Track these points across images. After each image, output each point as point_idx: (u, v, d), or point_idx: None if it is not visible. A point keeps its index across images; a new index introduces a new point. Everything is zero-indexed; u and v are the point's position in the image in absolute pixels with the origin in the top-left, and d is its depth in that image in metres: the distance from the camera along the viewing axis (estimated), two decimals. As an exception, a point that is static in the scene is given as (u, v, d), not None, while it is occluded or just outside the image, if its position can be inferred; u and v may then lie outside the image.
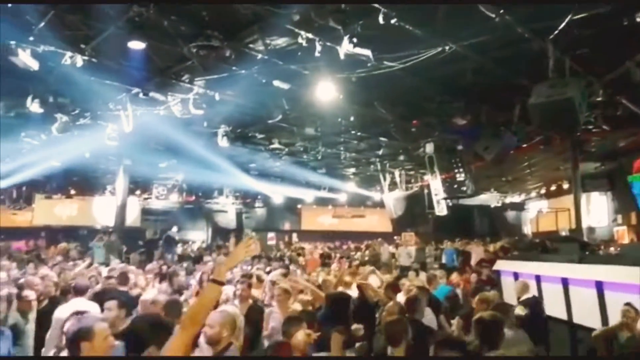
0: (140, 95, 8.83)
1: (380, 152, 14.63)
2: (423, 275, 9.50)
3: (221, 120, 11.31)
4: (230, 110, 10.19)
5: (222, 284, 2.46)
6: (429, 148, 13.29)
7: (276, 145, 13.75)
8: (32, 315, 5.38)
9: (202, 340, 3.34)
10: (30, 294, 6.36)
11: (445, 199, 14.49)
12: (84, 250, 16.29)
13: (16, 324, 5.12)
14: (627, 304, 4.59)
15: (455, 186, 15.06)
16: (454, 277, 9.34)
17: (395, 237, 20.00)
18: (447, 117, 10.72)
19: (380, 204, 20.07)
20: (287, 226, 25.34)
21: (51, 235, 19.77)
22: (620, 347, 4.44)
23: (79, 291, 5.64)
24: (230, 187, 22.64)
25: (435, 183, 14.28)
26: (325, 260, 14.99)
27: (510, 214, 25.08)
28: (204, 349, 3.38)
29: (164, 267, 11.61)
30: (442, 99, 10.01)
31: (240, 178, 17.62)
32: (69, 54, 7.32)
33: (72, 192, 20.76)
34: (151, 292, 6.30)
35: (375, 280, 7.38)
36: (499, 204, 23.93)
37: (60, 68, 7.61)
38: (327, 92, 8.34)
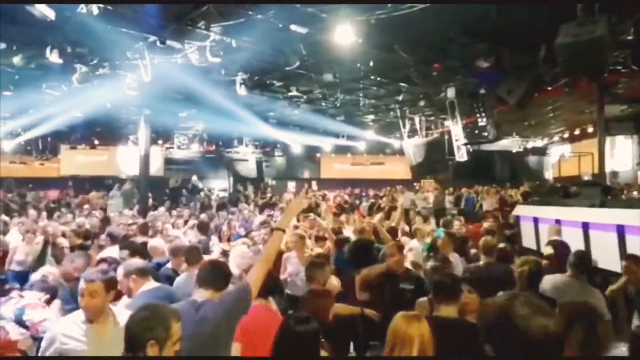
0: (157, 43, 8.76)
1: (400, 98, 14.37)
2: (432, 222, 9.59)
3: (239, 68, 11.20)
4: (247, 57, 10.05)
5: (284, 231, 3.15)
6: (451, 93, 13.02)
7: (294, 93, 13.61)
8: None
9: None
10: (63, 242, 6.69)
11: (466, 144, 14.35)
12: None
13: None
14: (628, 257, 4.61)
15: (477, 131, 14.88)
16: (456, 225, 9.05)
17: (415, 184, 20.05)
18: (470, 60, 10.42)
19: (400, 151, 19.96)
20: (306, 174, 25.52)
21: (78, 184, 20.36)
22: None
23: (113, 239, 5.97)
24: (250, 136, 22.72)
25: (456, 129, 14.10)
26: (346, 208, 15.15)
27: (532, 159, 24.75)
28: None
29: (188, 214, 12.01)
30: (465, 42, 9.70)
31: (259, 127, 17.64)
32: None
33: (96, 142, 21.12)
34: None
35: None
36: (521, 149, 23.56)
37: (77, 17, 7.57)
38: (345, 36, 8.15)
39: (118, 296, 3.77)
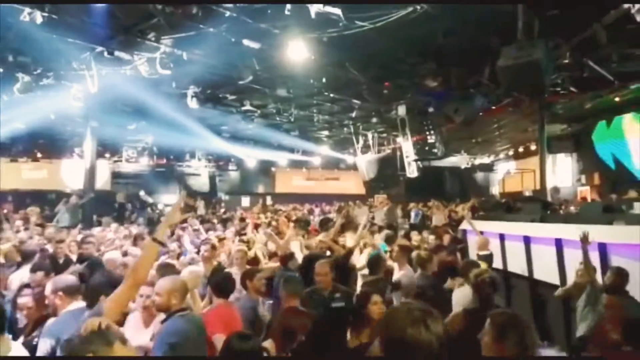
0: (105, 54, 8.54)
1: (353, 115, 14.63)
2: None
3: (190, 81, 11.09)
4: (199, 70, 9.96)
5: (161, 243, 2.67)
6: (401, 110, 13.35)
7: (248, 107, 13.58)
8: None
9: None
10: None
11: (416, 160, 14.74)
12: (53, 215, 16.06)
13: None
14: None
15: (427, 148, 15.30)
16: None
17: (369, 200, 20.31)
18: (419, 79, 10.76)
19: (354, 167, 20.24)
20: (261, 189, 25.35)
21: (19, 199, 19.30)
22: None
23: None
24: (203, 150, 22.40)
25: (406, 145, 14.46)
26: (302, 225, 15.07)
27: (480, 175, 25.61)
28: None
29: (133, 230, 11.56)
30: (414, 61, 10.02)
31: (212, 141, 17.44)
32: (27, 9, 6.99)
33: (39, 155, 20.19)
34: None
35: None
36: (469, 166, 24.40)
37: (20, 25, 7.28)
38: (298, 52, 8.23)
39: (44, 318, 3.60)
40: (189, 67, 9.53)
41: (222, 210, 20.65)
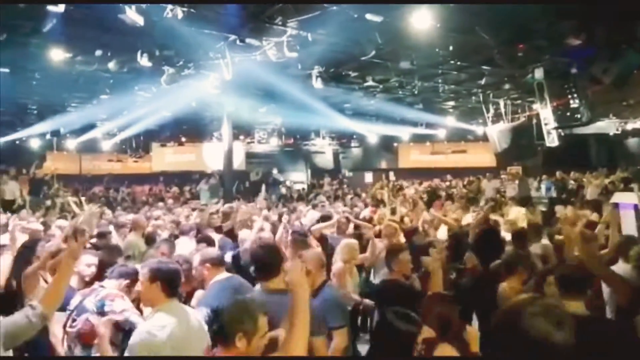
0: (237, 42, 9.06)
1: (482, 82, 13.71)
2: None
3: (314, 62, 11.28)
4: (323, 50, 10.09)
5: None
6: (538, 74, 12.19)
7: (370, 83, 13.47)
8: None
9: None
10: (155, 234, 7.11)
11: (556, 128, 13.40)
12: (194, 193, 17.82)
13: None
14: None
15: (568, 114, 13.85)
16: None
17: (501, 172, 19.15)
18: (559, 38, 9.69)
19: (483, 138, 19.11)
20: (383, 165, 25.23)
21: (168, 180, 21.67)
22: None
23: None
24: (326, 128, 22.87)
25: (545, 112, 13.21)
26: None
27: (632, 142, 22.67)
28: None
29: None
30: (552, 19, 9.03)
31: (335, 119, 17.70)
32: (169, 6, 7.65)
33: (183, 139, 22.31)
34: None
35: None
36: (619, 131, 21.62)
37: (163, 22, 7.99)
38: (422, 21, 7.91)
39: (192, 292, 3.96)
40: (314, 47, 9.71)
41: (345, 186, 21.09)
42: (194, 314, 3.08)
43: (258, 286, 3.30)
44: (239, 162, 20.83)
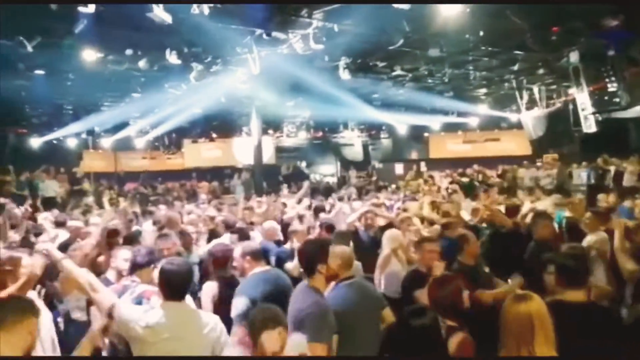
0: (264, 36, 9.07)
1: (515, 68, 13.31)
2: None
3: (341, 53, 11.20)
4: (349, 40, 9.98)
5: None
6: (574, 57, 11.75)
7: (399, 72, 13.28)
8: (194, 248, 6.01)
9: None
10: (189, 230, 7.20)
11: (594, 113, 12.90)
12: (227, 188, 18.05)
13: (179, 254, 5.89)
14: None
15: (606, 98, 13.33)
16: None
17: (536, 160, 18.60)
18: (595, 20, 9.29)
19: (517, 125, 18.61)
20: (414, 155, 24.87)
21: (201, 176, 21.99)
22: None
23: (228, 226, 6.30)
24: (355, 120, 22.70)
25: (581, 96, 12.73)
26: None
27: (677, 126, 21.61)
28: None
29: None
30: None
31: (363, 110, 17.53)
32: (195, 3, 7.71)
33: (214, 135, 22.58)
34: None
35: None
36: (662, 115, 20.65)
37: (191, 19, 8.07)
38: (451, 7, 7.71)
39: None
40: (340, 38, 9.62)
41: (375, 178, 20.93)
42: (199, 320, 2.96)
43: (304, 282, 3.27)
44: (268, 156, 20.96)
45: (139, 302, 3.22)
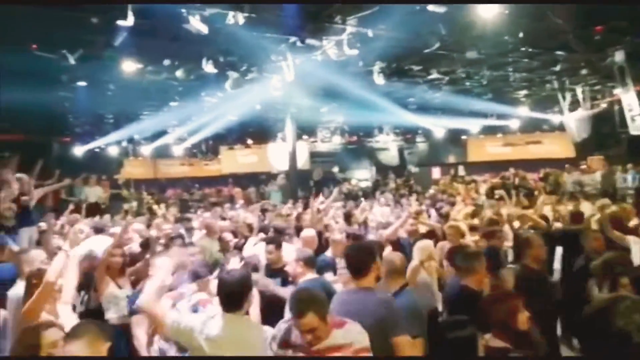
0: (298, 43, 9.08)
1: (557, 69, 12.85)
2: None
3: (376, 57, 11.09)
4: (384, 45, 9.88)
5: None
6: (619, 57, 11.25)
7: (435, 76, 13.04)
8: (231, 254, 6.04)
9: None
10: (227, 236, 7.28)
11: (642, 114, 12.30)
12: (263, 194, 18.16)
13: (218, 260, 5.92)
14: None
15: (656, 98, 12.71)
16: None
17: (580, 163, 17.91)
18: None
19: (560, 127, 17.98)
20: (451, 159, 24.42)
21: (237, 182, 22.26)
22: None
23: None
24: (390, 124, 22.49)
25: (628, 97, 12.17)
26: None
27: None
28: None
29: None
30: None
31: (398, 114, 17.33)
32: (231, 13, 7.80)
33: (250, 141, 22.84)
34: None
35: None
36: None
37: (226, 28, 8.18)
38: (489, 8, 7.50)
39: None
40: (374, 43, 9.53)
41: (411, 182, 20.63)
42: (258, 332, 2.94)
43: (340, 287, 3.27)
44: (303, 162, 20.99)
45: (195, 309, 3.26)
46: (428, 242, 5.11)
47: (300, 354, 2.61)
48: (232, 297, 2.84)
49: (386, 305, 2.93)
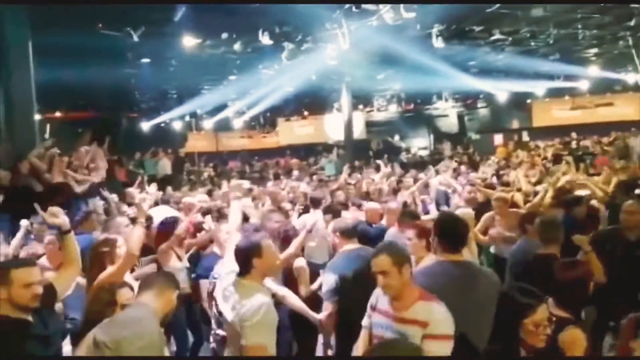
0: (353, 9, 8.95)
1: (631, 23, 11.84)
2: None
3: (434, 20, 10.70)
4: (442, 6, 9.52)
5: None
6: None
7: (497, 36, 12.40)
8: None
9: None
10: (286, 205, 7.44)
11: None
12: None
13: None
14: None
15: None
16: None
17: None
18: None
19: (634, 87, 16.73)
20: (515, 125, 23.39)
21: (295, 153, 22.59)
22: None
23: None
24: (449, 89, 21.77)
25: None
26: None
27: None
28: None
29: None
30: None
31: (458, 79, 16.72)
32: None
33: (306, 113, 22.99)
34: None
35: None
36: None
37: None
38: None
39: None
40: (432, 5, 9.21)
41: (471, 150, 20.05)
42: None
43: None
44: (359, 132, 20.91)
45: None
46: (468, 212, 5.02)
47: (384, 320, 2.56)
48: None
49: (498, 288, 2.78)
